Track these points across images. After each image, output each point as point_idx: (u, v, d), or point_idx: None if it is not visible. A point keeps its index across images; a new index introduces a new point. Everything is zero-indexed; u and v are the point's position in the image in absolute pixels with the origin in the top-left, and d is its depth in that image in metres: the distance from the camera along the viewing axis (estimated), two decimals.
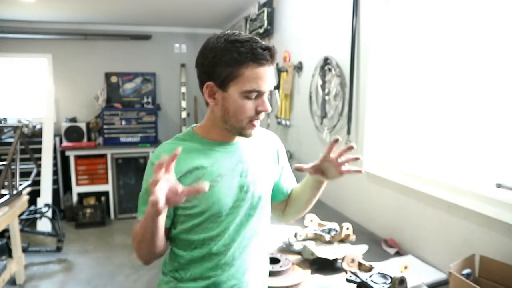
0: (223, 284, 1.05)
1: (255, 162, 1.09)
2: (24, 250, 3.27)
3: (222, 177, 1.02)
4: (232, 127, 1.01)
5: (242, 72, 0.94)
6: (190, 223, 1.03)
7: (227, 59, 0.94)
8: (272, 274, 1.37)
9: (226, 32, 0.99)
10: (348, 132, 2.08)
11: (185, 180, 0.99)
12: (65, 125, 4.59)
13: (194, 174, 1.00)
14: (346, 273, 1.32)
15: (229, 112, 0.98)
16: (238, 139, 1.08)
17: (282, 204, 1.27)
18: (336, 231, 1.61)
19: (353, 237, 1.59)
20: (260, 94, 0.97)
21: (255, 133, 1.04)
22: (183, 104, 5.15)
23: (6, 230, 2.98)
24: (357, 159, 1.08)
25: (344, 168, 1.07)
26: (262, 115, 1.01)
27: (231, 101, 0.97)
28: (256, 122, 1.01)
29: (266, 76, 0.96)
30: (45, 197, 4.10)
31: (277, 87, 3.05)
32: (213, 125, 1.04)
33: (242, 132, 1.02)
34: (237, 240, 1.05)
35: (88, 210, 4.39)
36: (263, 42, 0.97)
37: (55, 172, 4.48)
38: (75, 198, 4.52)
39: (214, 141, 1.05)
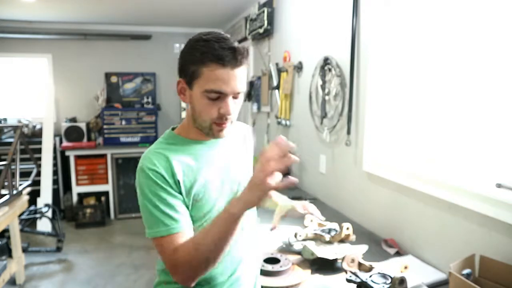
0: (219, 276, 1.06)
1: (239, 158, 1.11)
2: (24, 250, 3.27)
3: (213, 179, 1.04)
4: (200, 126, 1.01)
5: (203, 71, 0.93)
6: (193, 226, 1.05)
7: (192, 57, 0.94)
8: (272, 274, 1.37)
9: (207, 31, 0.98)
10: (348, 132, 2.08)
11: (185, 183, 0.99)
12: (65, 125, 4.59)
13: (189, 177, 1.00)
14: (346, 273, 1.31)
15: (195, 111, 0.99)
16: None
17: None
18: (336, 231, 1.61)
19: (353, 237, 1.59)
20: (222, 96, 0.95)
21: (226, 134, 1.02)
22: (183, 104, 5.15)
23: (6, 230, 2.98)
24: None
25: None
26: (230, 119, 0.98)
27: (195, 100, 0.97)
28: (224, 125, 0.98)
29: (228, 77, 0.92)
30: (45, 197, 4.10)
31: (277, 87, 3.05)
32: (192, 124, 1.04)
33: (209, 133, 1.00)
34: None
35: (88, 210, 4.40)
36: (234, 43, 0.94)
37: (55, 172, 4.48)
38: (75, 198, 4.52)
39: (196, 140, 1.05)
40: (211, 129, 0.99)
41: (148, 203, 0.94)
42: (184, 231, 0.94)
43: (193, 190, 0.99)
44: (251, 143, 1.22)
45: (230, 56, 0.91)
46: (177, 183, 0.96)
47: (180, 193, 0.97)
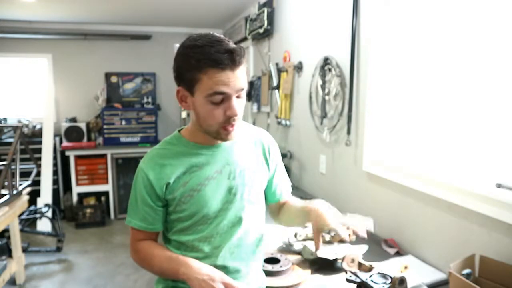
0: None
1: (244, 163, 1.09)
2: (24, 250, 3.27)
3: (210, 180, 1.04)
4: (207, 131, 1.01)
5: (202, 77, 0.92)
6: (181, 225, 1.06)
7: (188, 65, 0.93)
8: (272, 274, 1.37)
9: (193, 35, 0.96)
10: (348, 132, 2.08)
11: (174, 185, 1.02)
12: (65, 125, 4.59)
13: (183, 179, 1.03)
14: (346, 273, 1.31)
15: (200, 117, 0.99)
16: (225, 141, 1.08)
17: (276, 206, 1.27)
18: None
19: (353, 237, 1.59)
20: (226, 97, 0.94)
21: (235, 136, 1.02)
22: None
23: (6, 230, 2.98)
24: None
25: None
26: (236, 120, 0.98)
27: (199, 106, 0.97)
28: (231, 127, 0.98)
29: (228, 80, 0.92)
30: (45, 197, 4.10)
31: (277, 87, 3.05)
32: (197, 128, 1.04)
33: (217, 137, 1.01)
34: (229, 241, 1.06)
35: (88, 210, 4.39)
36: (228, 44, 0.93)
37: (55, 172, 4.48)
38: (75, 198, 4.51)
39: (201, 144, 1.06)
40: (218, 133, 0.99)
41: (132, 196, 1.08)
42: (146, 230, 1.08)
43: (186, 189, 1.02)
44: (274, 150, 1.20)
45: (228, 59, 0.91)
46: (166, 186, 1.02)
47: (163, 196, 1.04)
